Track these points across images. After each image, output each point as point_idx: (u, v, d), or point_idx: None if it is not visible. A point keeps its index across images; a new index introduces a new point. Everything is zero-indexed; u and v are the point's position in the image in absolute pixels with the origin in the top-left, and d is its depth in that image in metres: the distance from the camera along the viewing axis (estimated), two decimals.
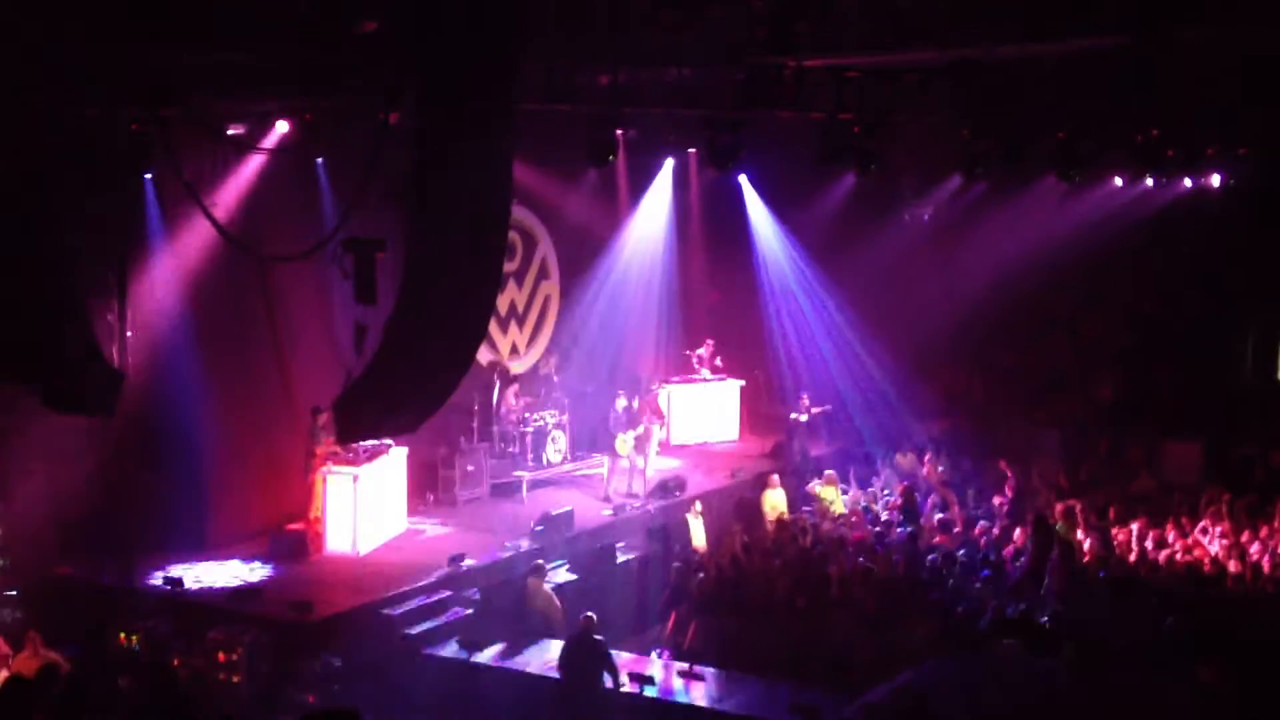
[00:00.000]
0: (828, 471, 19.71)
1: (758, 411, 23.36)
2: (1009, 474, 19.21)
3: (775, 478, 19.42)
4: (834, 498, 19.13)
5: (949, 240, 23.82)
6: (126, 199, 14.70)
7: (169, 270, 15.57)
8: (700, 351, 22.82)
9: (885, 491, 19.86)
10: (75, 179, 12.76)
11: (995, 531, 17.14)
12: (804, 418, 21.42)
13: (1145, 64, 12.06)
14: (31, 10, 8.33)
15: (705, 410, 22.81)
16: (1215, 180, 22.14)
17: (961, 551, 16.10)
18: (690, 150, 21.60)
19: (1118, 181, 22.31)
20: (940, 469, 20.45)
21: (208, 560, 15.65)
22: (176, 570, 15.05)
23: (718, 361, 22.82)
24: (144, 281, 15.41)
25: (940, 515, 17.89)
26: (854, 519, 18.14)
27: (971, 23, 11.98)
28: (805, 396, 21.68)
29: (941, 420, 23.14)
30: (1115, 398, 23.51)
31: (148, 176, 14.61)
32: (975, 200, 22.89)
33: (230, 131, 13.92)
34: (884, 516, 18.35)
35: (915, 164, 21.75)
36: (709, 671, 13.39)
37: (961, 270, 23.38)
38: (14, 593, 14.47)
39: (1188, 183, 22.13)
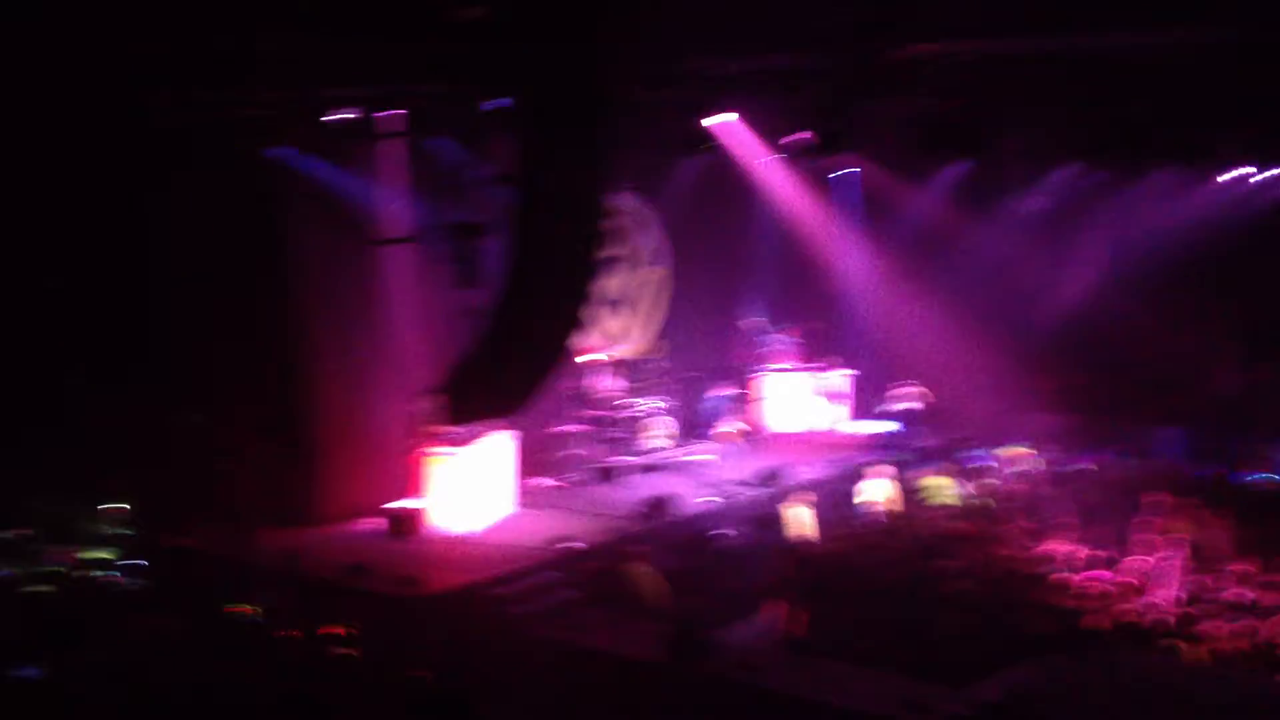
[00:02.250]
0: (940, 463, 19.50)
1: (867, 401, 23.19)
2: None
3: (884, 467, 19.27)
4: (946, 489, 18.92)
5: (1063, 230, 23.32)
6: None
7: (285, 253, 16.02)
8: (785, 339, 22.70)
9: (996, 484, 19.56)
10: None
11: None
12: (908, 406, 21.20)
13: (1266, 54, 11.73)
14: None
15: (814, 398, 22.70)
16: None
17: (1077, 548, 15.81)
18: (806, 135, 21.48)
19: (1242, 171, 21.62)
20: (1049, 464, 20.10)
21: (320, 534, 16.04)
22: (291, 544, 15.40)
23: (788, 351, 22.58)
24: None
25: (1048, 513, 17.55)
26: (965, 511, 17.91)
27: (1083, 9, 11.73)
28: (907, 386, 21.44)
29: (1052, 414, 22.69)
30: (1234, 394, 22.82)
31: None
32: (1090, 189, 22.38)
33: (337, 117, 14.13)
34: (995, 509, 18.07)
35: (1028, 151, 21.35)
36: (817, 662, 13.32)
37: (1075, 261, 22.87)
38: (145, 563, 14.95)
39: None
